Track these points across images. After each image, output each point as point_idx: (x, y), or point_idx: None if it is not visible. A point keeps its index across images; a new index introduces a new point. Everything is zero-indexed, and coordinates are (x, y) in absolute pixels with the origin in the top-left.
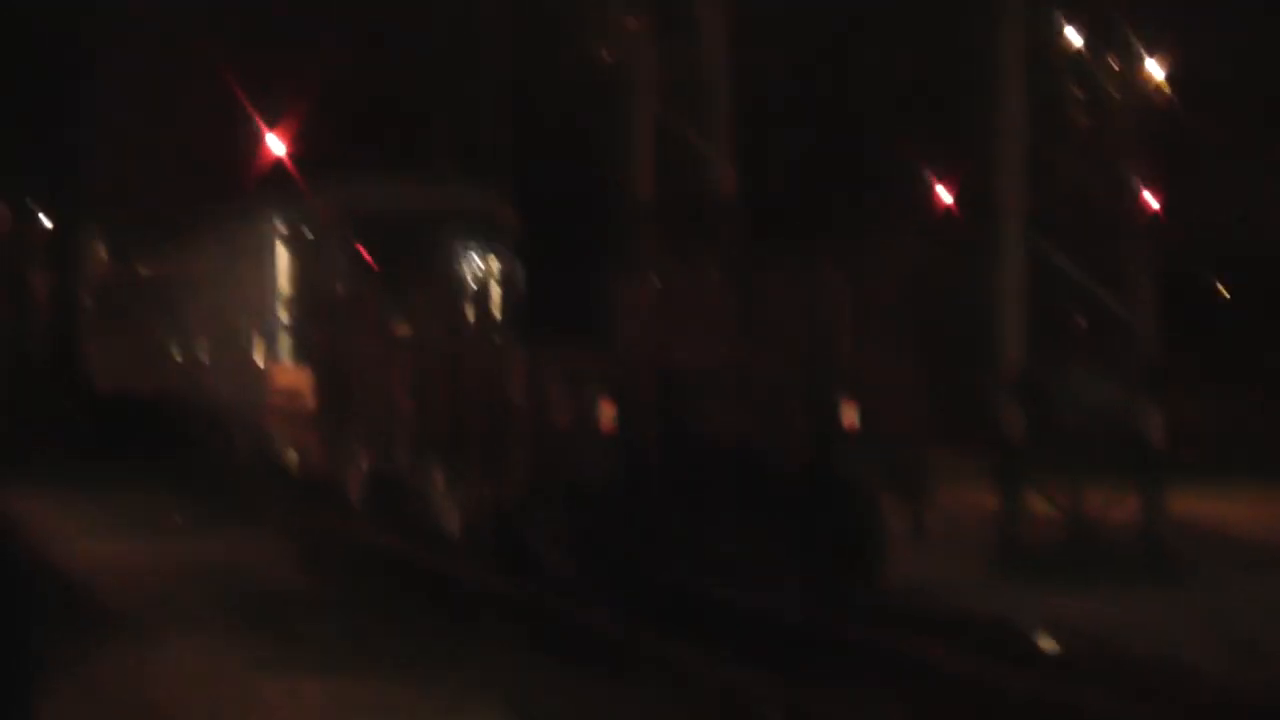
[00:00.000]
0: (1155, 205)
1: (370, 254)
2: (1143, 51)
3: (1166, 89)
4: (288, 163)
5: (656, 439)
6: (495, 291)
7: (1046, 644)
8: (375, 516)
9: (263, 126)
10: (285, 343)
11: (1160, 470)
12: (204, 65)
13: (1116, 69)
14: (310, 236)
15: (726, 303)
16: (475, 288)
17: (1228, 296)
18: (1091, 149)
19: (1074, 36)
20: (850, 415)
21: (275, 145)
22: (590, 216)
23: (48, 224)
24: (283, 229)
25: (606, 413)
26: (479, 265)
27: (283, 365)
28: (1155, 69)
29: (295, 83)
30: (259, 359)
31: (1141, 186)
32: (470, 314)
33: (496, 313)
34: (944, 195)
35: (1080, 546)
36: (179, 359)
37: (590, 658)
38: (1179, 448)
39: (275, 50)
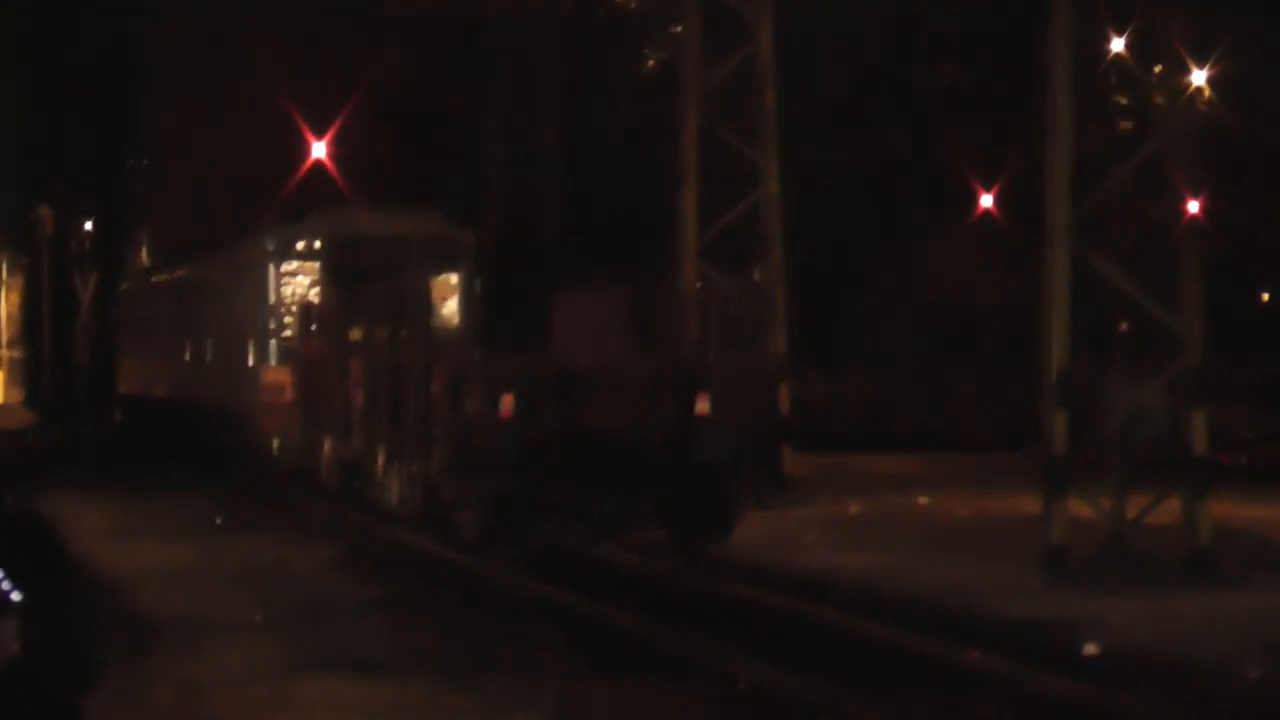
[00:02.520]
0: (1202, 213)
1: (344, 272)
2: (1188, 60)
3: (1210, 95)
4: (329, 166)
5: (551, 426)
6: (450, 305)
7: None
8: (340, 493)
9: (308, 134)
10: (273, 347)
11: (1205, 476)
12: (250, 74)
13: (1163, 77)
14: (294, 256)
15: (625, 314)
16: (424, 301)
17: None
18: (1138, 157)
19: (1120, 45)
20: (703, 404)
21: (318, 150)
22: (538, 241)
23: (90, 228)
24: (272, 248)
25: (506, 404)
26: (434, 282)
27: (270, 366)
28: (1200, 77)
29: (340, 93)
30: (251, 360)
31: (1189, 194)
32: (417, 323)
33: (451, 322)
34: (992, 202)
35: (1123, 551)
36: (187, 360)
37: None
38: (1225, 453)
39: (321, 60)
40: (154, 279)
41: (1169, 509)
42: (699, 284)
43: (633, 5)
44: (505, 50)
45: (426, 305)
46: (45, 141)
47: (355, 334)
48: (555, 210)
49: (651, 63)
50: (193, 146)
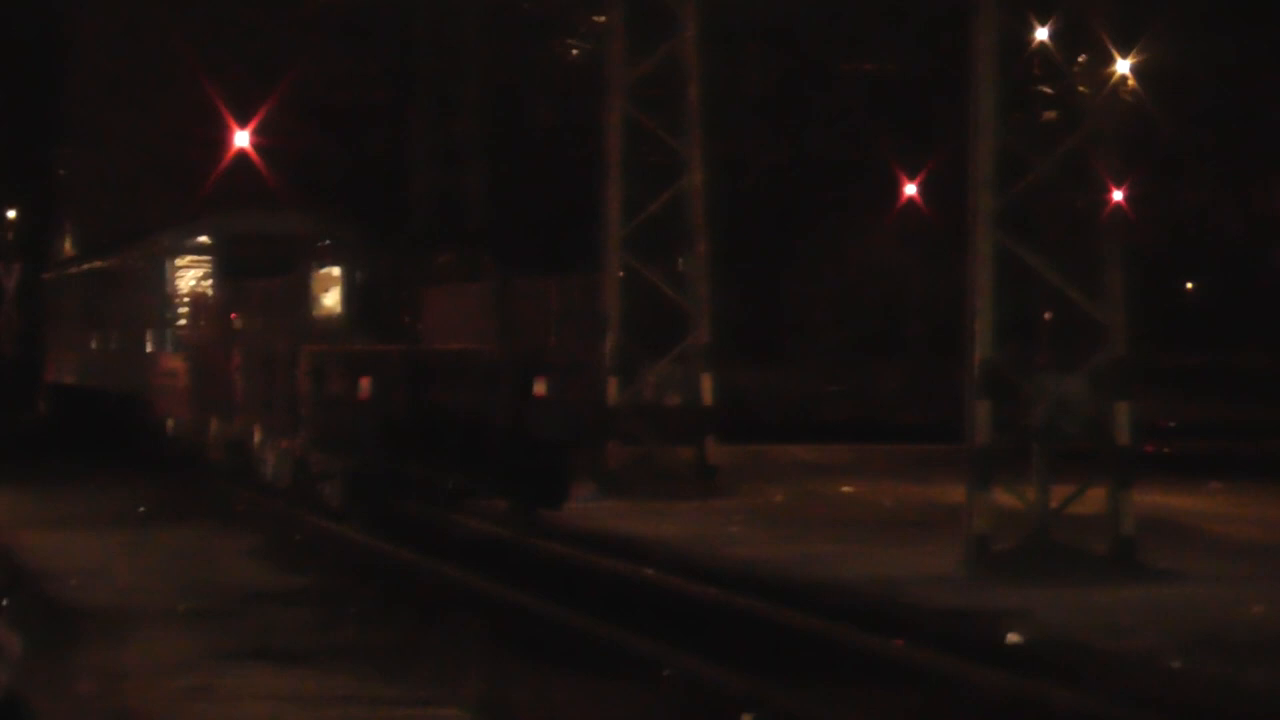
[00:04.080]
0: (1125, 203)
1: (233, 266)
2: (1112, 49)
3: (1133, 84)
4: (253, 155)
5: (404, 406)
6: (332, 296)
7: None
8: (225, 471)
9: (231, 123)
10: (169, 336)
11: (1128, 466)
12: (174, 62)
13: (1087, 66)
14: (188, 251)
15: (484, 308)
16: (303, 293)
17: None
18: (1063, 146)
19: (1045, 34)
20: (540, 387)
21: (240, 139)
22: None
23: (12, 215)
24: (169, 244)
25: (363, 387)
26: (318, 275)
27: (166, 353)
28: (1123, 66)
29: (265, 84)
30: (149, 348)
31: (1112, 184)
32: (295, 313)
33: (334, 312)
34: (916, 193)
35: (1047, 541)
36: (94, 349)
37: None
38: (1149, 443)
39: (245, 50)
40: (70, 270)
41: (1093, 499)
42: (621, 274)
43: None
44: (431, 41)
45: (305, 297)
46: None
47: (238, 324)
48: (480, 202)
49: (576, 53)
50: (115, 135)
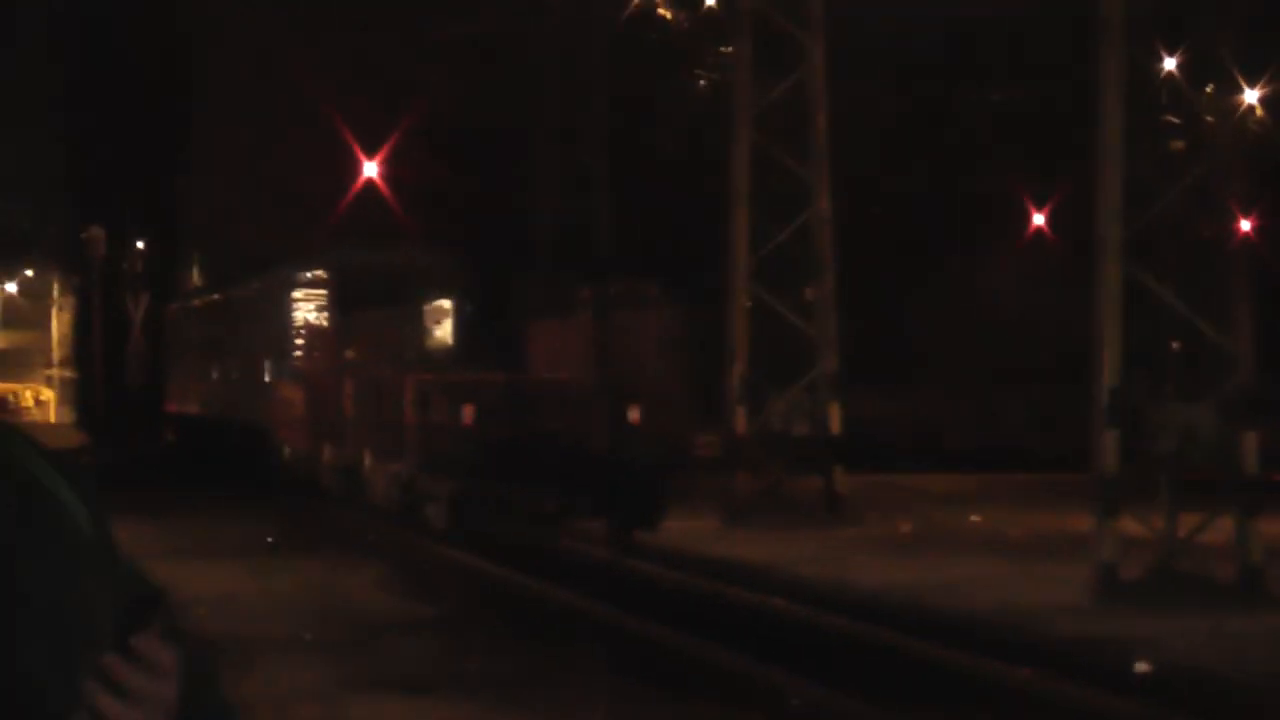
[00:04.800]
0: (1253, 232)
1: (350, 298)
2: (1240, 79)
3: (1261, 114)
4: (381, 185)
5: (505, 432)
6: (445, 327)
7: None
8: (337, 495)
9: (359, 153)
10: (286, 366)
11: (1256, 495)
12: (300, 92)
13: (1214, 96)
14: (305, 285)
15: (577, 337)
16: (416, 324)
17: None
18: (1190, 175)
19: (1172, 64)
20: (635, 414)
21: (369, 170)
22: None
23: (142, 247)
24: (288, 277)
25: (467, 414)
26: (429, 307)
27: (285, 382)
28: (1251, 96)
29: (389, 114)
30: (268, 377)
31: (1239, 213)
32: (407, 343)
33: (446, 342)
34: (1044, 222)
35: (1174, 570)
36: (215, 379)
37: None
38: (1275, 473)
39: (370, 80)
40: (193, 301)
41: (1221, 528)
42: (748, 304)
43: (685, 25)
44: (555, 70)
45: (417, 328)
46: (97, 160)
47: (350, 354)
48: (606, 231)
49: (704, 83)
50: (243, 167)
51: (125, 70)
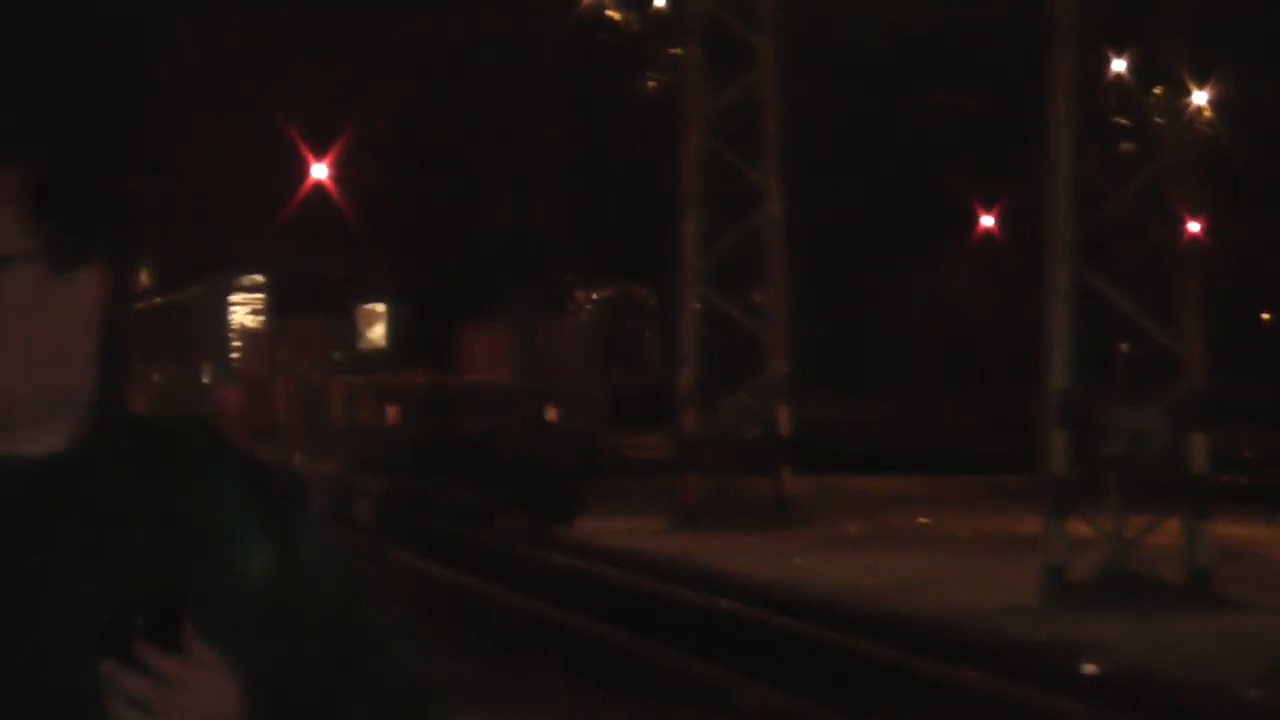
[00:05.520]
0: (1202, 234)
1: (285, 303)
2: (1188, 81)
3: (1210, 115)
4: (330, 187)
5: (430, 433)
6: (374, 330)
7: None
8: None
9: (307, 155)
10: (224, 368)
11: (1204, 496)
12: (248, 95)
13: (1163, 98)
14: (244, 289)
15: (502, 340)
16: (347, 328)
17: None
18: (1139, 177)
19: (1121, 66)
20: (551, 414)
21: (318, 172)
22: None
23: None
24: (226, 282)
25: (391, 415)
26: (362, 311)
27: (223, 384)
28: (1200, 97)
29: (337, 117)
30: (206, 379)
31: (1188, 215)
32: (337, 345)
33: (379, 344)
34: (993, 224)
35: (1123, 572)
36: (157, 380)
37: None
38: (1226, 475)
39: (322, 84)
40: (137, 304)
41: (1170, 530)
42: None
43: (634, 27)
44: (506, 73)
45: (351, 331)
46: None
47: (285, 356)
48: (555, 233)
49: (653, 86)
50: (192, 168)
51: (70, 69)
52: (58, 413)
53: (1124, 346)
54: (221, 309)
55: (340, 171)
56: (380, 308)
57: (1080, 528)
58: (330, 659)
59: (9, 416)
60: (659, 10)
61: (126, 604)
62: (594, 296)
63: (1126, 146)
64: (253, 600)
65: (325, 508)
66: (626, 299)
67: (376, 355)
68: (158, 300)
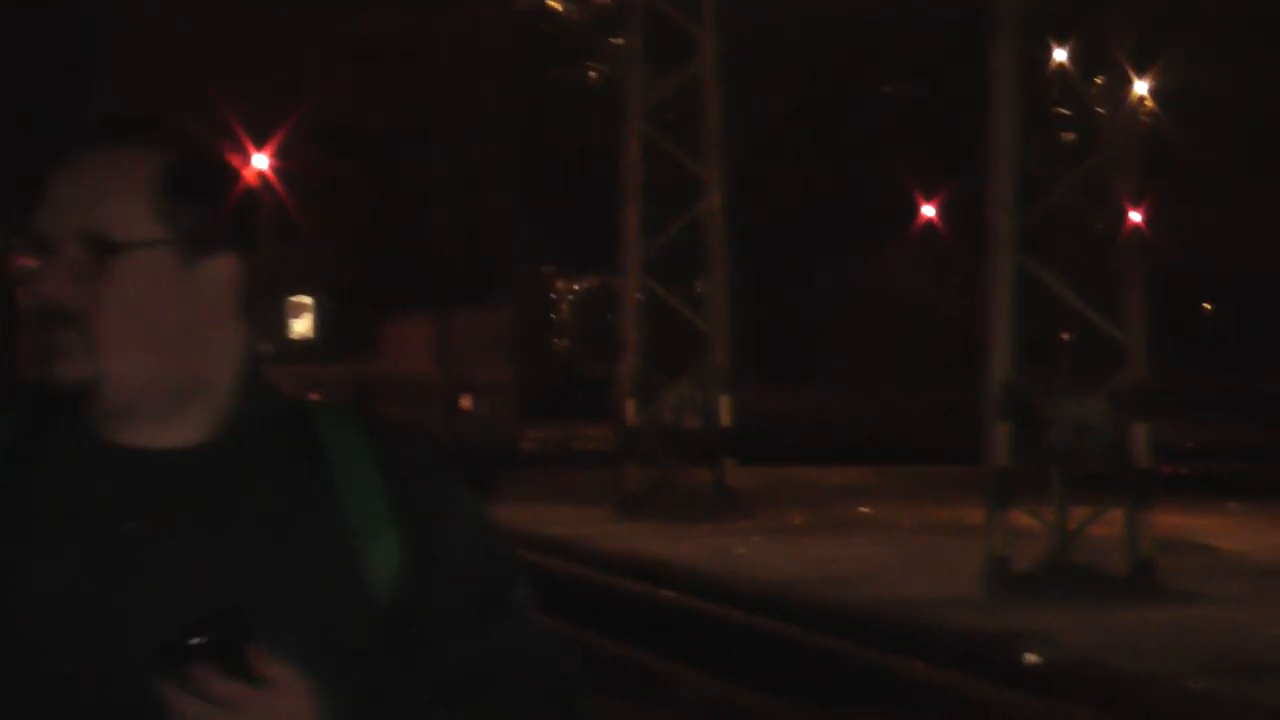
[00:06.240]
0: (1145, 224)
1: None
2: (1130, 71)
3: (1151, 105)
4: (272, 178)
5: None
6: (302, 321)
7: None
8: None
9: (248, 145)
10: None
11: (1146, 487)
12: (191, 85)
13: (1105, 88)
14: None
15: (425, 332)
16: (275, 318)
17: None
18: (1082, 167)
19: (1064, 56)
20: (466, 403)
21: (258, 162)
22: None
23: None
24: None
25: None
26: (291, 302)
27: None
28: (1141, 87)
29: (282, 109)
30: None
31: (1131, 205)
32: (264, 337)
33: (308, 335)
34: (935, 215)
35: (1065, 563)
36: None
37: None
38: (1169, 465)
39: (265, 74)
40: None
41: (1113, 521)
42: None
43: (575, 17)
44: (452, 65)
45: (279, 321)
46: None
47: None
48: (507, 225)
49: (594, 76)
50: None
51: (12, 59)
52: (188, 405)
53: (1066, 336)
54: None
55: (281, 163)
56: (308, 299)
57: (1023, 519)
58: (465, 664)
59: (134, 407)
60: (601, 1)
61: (188, 624)
62: (575, 287)
63: (1068, 136)
64: (373, 606)
65: (482, 499)
66: (606, 290)
67: (304, 346)
68: None
